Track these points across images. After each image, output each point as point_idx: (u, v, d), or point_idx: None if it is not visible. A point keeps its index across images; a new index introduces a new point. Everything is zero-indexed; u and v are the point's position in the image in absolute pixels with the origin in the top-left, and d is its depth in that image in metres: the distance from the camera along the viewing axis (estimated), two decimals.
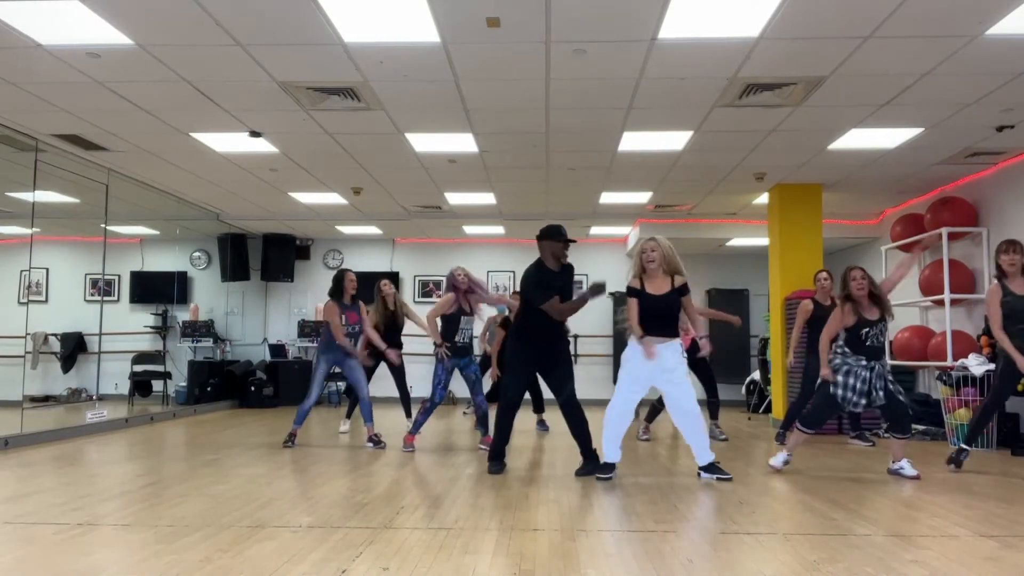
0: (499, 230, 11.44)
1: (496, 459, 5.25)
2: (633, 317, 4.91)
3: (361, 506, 4.06)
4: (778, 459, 5.32)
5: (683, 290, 4.96)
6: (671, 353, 4.92)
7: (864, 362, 5.06)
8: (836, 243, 10.46)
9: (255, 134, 6.76)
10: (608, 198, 9.34)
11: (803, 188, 8.47)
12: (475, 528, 3.59)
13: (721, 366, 9.31)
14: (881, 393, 5.03)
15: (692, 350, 7.15)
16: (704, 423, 5.07)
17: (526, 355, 5.23)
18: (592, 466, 5.07)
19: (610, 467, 5.00)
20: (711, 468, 4.98)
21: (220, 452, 6.17)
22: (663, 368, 4.88)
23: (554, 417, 9.33)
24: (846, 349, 5.17)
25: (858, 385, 5.04)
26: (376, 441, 6.42)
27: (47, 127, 6.60)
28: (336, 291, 6.44)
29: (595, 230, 11.36)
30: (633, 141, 6.89)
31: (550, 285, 5.09)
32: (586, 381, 11.83)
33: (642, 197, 9.27)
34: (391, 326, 7.38)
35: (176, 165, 7.89)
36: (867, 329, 5.09)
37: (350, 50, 4.92)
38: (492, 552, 3.16)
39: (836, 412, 5.30)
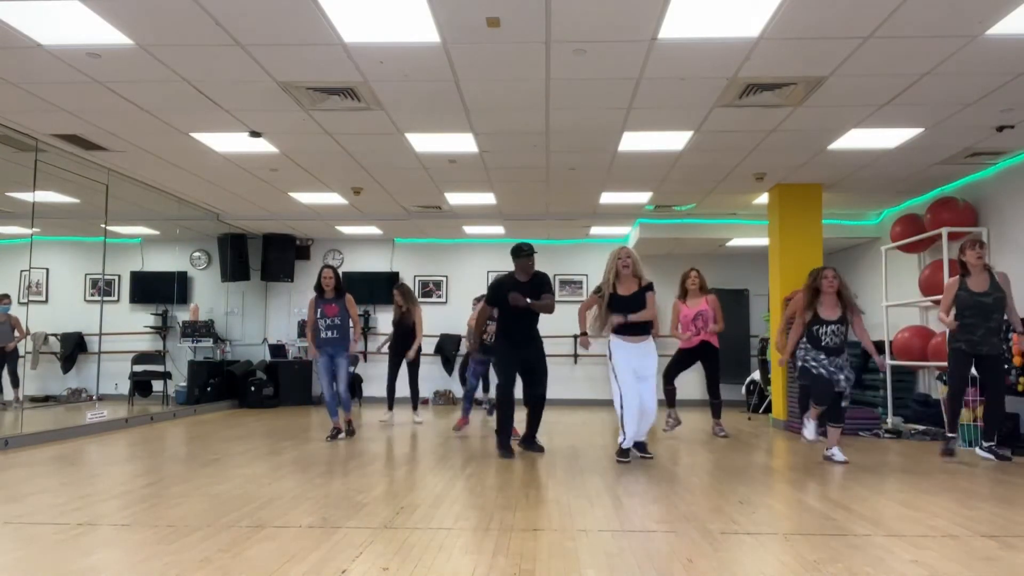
0: (499, 230, 11.44)
1: (505, 446, 6.02)
2: (598, 312, 5.78)
3: (361, 506, 4.06)
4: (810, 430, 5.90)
5: (649, 287, 5.66)
6: (648, 349, 5.71)
7: (823, 356, 5.63)
8: (836, 243, 10.44)
9: (255, 134, 6.76)
10: (608, 198, 9.34)
11: (803, 188, 8.47)
12: (475, 528, 3.59)
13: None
14: (840, 377, 5.58)
15: (704, 349, 7.24)
16: (652, 421, 5.87)
17: (509, 357, 6.10)
18: (530, 444, 6.21)
19: (626, 452, 5.70)
20: (641, 446, 5.85)
21: (220, 452, 6.17)
22: (642, 362, 5.66)
23: (556, 418, 9.32)
24: (807, 344, 5.69)
25: (823, 360, 5.60)
26: (336, 434, 7.03)
27: (47, 127, 6.60)
28: (317, 285, 7.03)
29: (595, 230, 11.36)
30: (633, 141, 6.89)
31: (511, 291, 5.96)
32: (585, 380, 11.86)
33: (642, 197, 9.27)
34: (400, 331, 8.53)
35: (176, 165, 7.89)
36: (819, 327, 5.61)
37: (350, 50, 4.92)
38: (492, 552, 3.16)
39: (829, 386, 5.64)
